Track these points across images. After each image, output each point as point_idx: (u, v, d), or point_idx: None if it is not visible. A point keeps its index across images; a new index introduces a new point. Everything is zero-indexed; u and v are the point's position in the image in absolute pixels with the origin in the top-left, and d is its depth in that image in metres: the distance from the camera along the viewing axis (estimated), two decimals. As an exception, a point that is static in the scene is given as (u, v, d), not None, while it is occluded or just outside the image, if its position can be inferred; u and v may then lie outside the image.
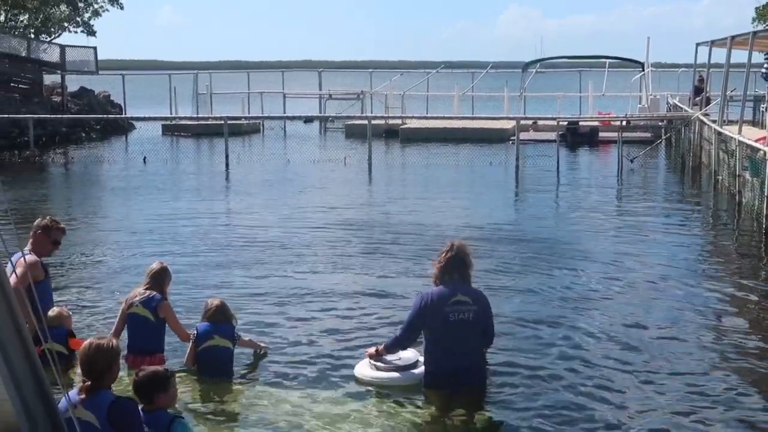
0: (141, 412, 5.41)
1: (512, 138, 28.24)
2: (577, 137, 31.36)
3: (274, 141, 34.90)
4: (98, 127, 38.09)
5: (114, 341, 5.62)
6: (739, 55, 22.71)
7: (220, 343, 7.78)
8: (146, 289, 7.94)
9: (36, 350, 2.33)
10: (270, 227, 15.50)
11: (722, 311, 10.00)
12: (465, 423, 6.80)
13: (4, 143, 30.15)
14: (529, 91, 39.18)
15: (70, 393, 5.26)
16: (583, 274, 11.75)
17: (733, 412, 7.01)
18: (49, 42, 43.08)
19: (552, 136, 27.20)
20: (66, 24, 46.11)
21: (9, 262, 7.27)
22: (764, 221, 14.53)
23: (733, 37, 20.82)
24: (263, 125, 38.82)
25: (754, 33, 19.57)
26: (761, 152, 15.35)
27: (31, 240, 8.05)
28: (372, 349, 7.67)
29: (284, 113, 40.94)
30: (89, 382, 5.28)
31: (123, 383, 6.56)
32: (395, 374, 7.47)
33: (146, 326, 7.83)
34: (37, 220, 8.21)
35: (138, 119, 37.75)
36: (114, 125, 38.67)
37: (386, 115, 36.66)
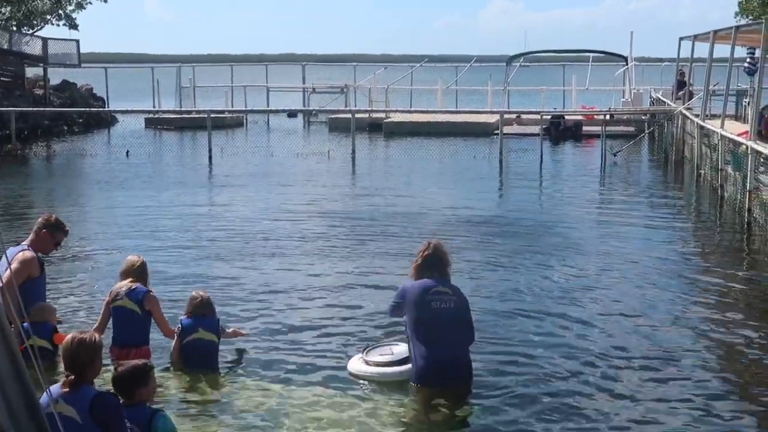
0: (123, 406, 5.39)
1: (496, 132, 28.31)
2: (560, 131, 31.44)
3: (257, 135, 34.84)
4: (81, 120, 37.87)
5: (96, 336, 5.62)
6: (722, 50, 22.83)
7: (205, 337, 7.77)
8: (131, 282, 7.91)
9: (19, 348, 2.31)
10: (253, 220, 15.48)
11: (704, 304, 10.03)
12: (453, 418, 6.82)
13: (-14, 136, 29.98)
14: (513, 85, 39.20)
15: (52, 388, 5.24)
16: (564, 266, 11.78)
17: (710, 402, 7.05)
18: (32, 35, 42.79)
19: (536, 130, 27.25)
20: (48, 17, 45.79)
21: (4, 256, 7.23)
22: (746, 215, 14.61)
23: (715, 32, 20.90)
24: (247, 119, 38.76)
25: (737, 27, 19.65)
26: (743, 146, 15.43)
27: (33, 236, 7.98)
28: None
29: (268, 107, 40.88)
30: (72, 377, 5.26)
31: (106, 377, 6.53)
32: (387, 369, 7.49)
33: (132, 319, 7.79)
34: (43, 217, 8.16)
35: (121, 112, 37.60)
36: (97, 119, 38.48)
37: (370, 108, 36.68)
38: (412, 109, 36.85)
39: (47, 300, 8.46)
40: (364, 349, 7.81)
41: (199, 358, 7.74)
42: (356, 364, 7.68)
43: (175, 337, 7.83)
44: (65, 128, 36.22)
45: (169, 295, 9.70)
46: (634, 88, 34.36)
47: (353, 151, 25.63)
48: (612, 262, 12.05)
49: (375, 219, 15.65)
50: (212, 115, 28.41)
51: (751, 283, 11.10)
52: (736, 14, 39.23)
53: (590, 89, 39.27)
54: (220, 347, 7.95)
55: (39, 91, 39.60)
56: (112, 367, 6.84)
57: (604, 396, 7.20)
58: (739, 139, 16.16)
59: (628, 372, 7.75)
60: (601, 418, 6.78)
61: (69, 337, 5.52)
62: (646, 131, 28.76)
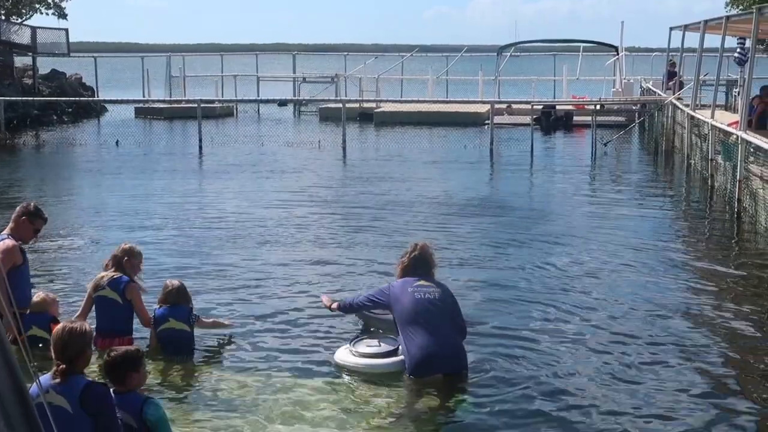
0: (113, 394, 5.36)
1: (487, 122, 28.31)
2: (551, 121, 31.46)
3: (247, 124, 34.75)
4: (70, 110, 37.70)
5: (86, 325, 5.61)
6: (713, 40, 22.85)
7: (176, 326, 7.79)
8: (114, 271, 7.92)
9: (8, 340, 2.29)
10: (243, 209, 15.44)
11: (694, 292, 10.06)
12: (445, 408, 6.79)
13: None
14: (503, 74, 39.17)
15: (42, 378, 5.22)
16: (554, 255, 11.78)
17: (703, 396, 7.07)
18: (20, 24, 42.55)
19: (527, 119, 27.27)
20: (37, 5, 45.54)
21: None
22: (736, 205, 14.65)
23: (706, 22, 20.92)
24: (237, 108, 38.63)
25: (727, 17, 19.65)
26: (733, 136, 15.45)
27: (12, 224, 7.96)
28: (326, 299, 8.35)
29: (258, 96, 40.77)
30: (63, 366, 5.24)
31: (92, 366, 6.52)
32: (375, 361, 7.46)
33: (114, 308, 7.83)
34: (22, 205, 8.15)
35: (110, 102, 37.45)
36: (86, 108, 38.32)
37: (360, 98, 36.61)
38: (403, 99, 36.87)
39: (35, 288, 8.44)
40: (352, 340, 7.80)
41: (173, 346, 7.78)
42: (343, 355, 7.62)
43: (152, 325, 7.87)
44: (54, 118, 36.04)
45: (160, 283, 9.65)
46: (624, 78, 34.37)
47: (344, 141, 25.60)
48: (601, 252, 12.06)
49: (366, 207, 15.63)
50: (202, 105, 28.36)
51: (739, 272, 11.12)
52: (727, 4, 39.22)
53: (581, 79, 39.30)
54: (207, 335, 7.95)
55: (28, 81, 39.42)
56: (96, 358, 6.86)
57: (601, 384, 7.21)
58: (729, 129, 16.18)
59: (619, 357, 7.76)
60: (598, 405, 6.80)
61: (59, 326, 5.50)
62: (637, 121, 28.79)
